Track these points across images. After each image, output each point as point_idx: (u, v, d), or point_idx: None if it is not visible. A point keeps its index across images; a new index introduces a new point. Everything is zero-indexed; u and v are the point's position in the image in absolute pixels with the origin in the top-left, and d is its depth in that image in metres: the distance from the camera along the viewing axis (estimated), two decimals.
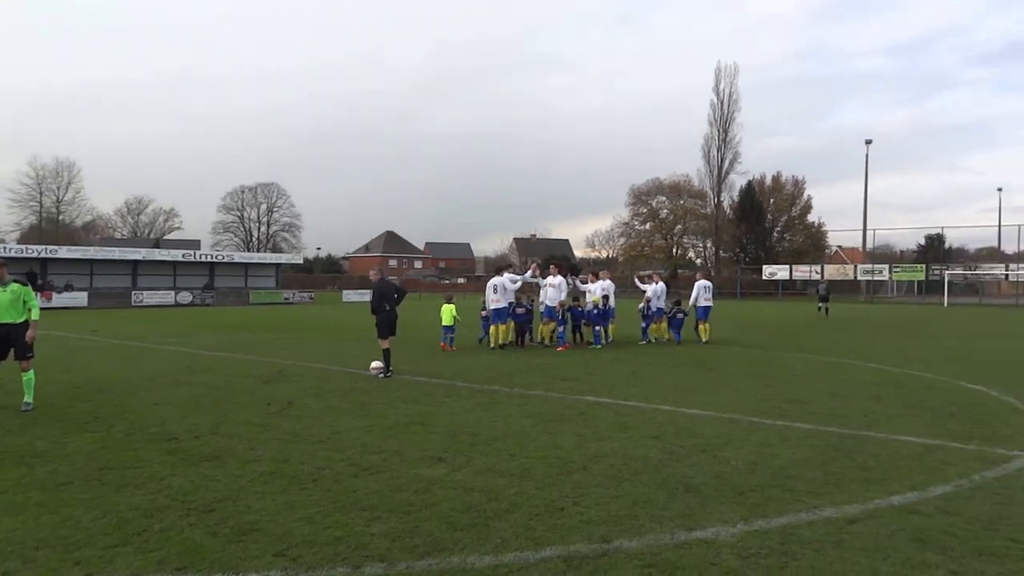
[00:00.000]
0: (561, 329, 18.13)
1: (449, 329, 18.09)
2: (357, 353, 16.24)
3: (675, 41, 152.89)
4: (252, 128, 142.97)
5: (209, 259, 59.58)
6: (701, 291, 20.41)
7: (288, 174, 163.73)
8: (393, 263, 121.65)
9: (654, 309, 19.92)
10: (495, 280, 18.13)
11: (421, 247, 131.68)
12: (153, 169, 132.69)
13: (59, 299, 46.90)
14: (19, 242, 72.11)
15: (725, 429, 8.37)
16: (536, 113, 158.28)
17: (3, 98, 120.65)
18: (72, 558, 4.56)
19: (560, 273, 18.69)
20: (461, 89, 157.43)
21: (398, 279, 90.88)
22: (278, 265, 65.22)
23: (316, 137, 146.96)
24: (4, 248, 53.82)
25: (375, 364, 13.07)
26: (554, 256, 71.58)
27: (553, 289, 18.04)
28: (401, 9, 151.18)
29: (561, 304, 18.13)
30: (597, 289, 18.53)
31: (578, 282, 19.95)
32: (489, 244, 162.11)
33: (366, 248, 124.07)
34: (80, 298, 48.07)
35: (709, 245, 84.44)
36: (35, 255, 51.59)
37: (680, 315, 20.15)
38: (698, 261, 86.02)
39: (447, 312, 18.21)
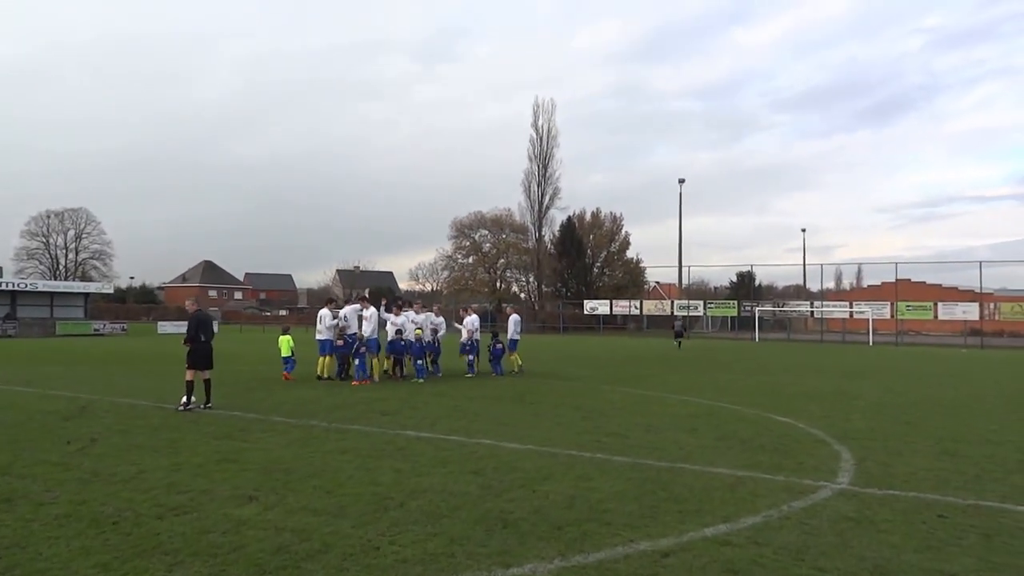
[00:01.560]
0: (357, 362, 17.42)
1: (287, 360, 17.88)
2: (169, 387, 15.13)
3: (495, 73, 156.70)
4: (58, 149, 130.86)
5: (11, 287, 53.51)
6: (514, 325, 21.17)
7: (98, 200, 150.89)
8: (213, 293, 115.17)
9: (474, 341, 20.10)
10: (321, 312, 18.07)
11: (241, 278, 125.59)
12: None
13: None
14: None
15: (545, 463, 8.36)
16: (357, 143, 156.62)
17: None
18: None
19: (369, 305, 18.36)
20: (278, 117, 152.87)
21: (218, 310, 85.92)
22: (87, 295, 59.73)
23: (127, 162, 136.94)
24: None
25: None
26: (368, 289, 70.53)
27: (365, 322, 17.68)
28: (208, 29, 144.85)
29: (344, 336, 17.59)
30: (425, 323, 18.72)
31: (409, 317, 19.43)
32: (312, 276, 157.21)
33: (183, 278, 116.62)
34: None
35: (532, 279, 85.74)
36: None
37: (499, 347, 20.46)
38: (521, 295, 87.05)
39: (284, 343, 18.07)
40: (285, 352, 18.01)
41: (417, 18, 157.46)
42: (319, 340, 17.70)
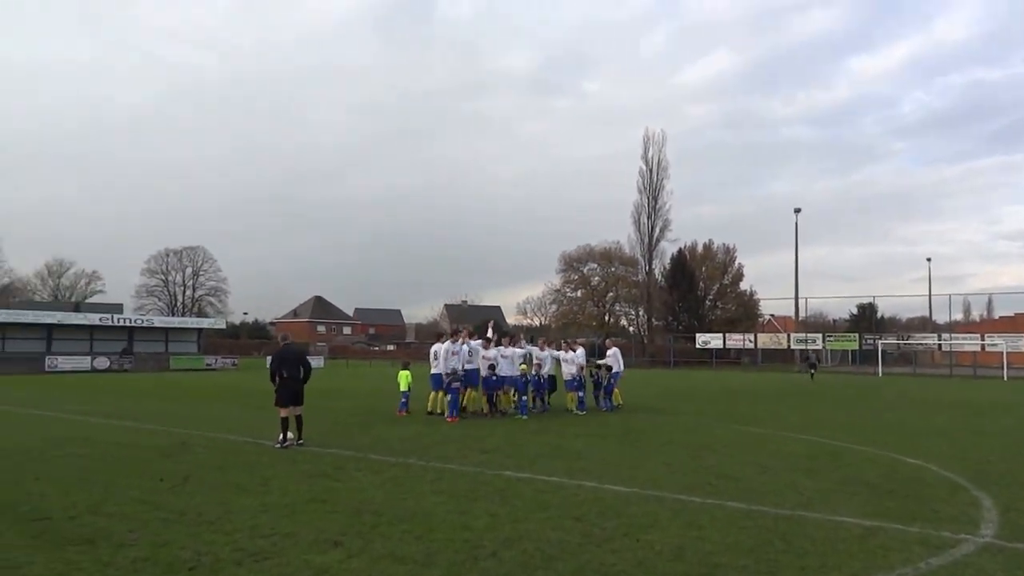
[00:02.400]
0: (449, 398, 17.08)
1: (405, 395, 18.03)
2: (270, 424, 15.34)
3: (603, 107, 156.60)
4: (178, 189, 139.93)
5: (128, 323, 57.12)
6: (615, 358, 20.60)
7: (215, 238, 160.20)
8: (321, 329, 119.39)
9: (581, 377, 19.60)
10: (434, 347, 17.86)
11: (350, 313, 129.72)
12: (75, 231, 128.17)
13: None
14: None
15: (651, 508, 7.90)
16: (465, 179, 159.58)
17: None
18: None
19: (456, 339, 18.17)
20: (389, 153, 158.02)
21: (326, 345, 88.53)
22: (200, 330, 62.97)
23: (243, 201, 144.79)
24: None
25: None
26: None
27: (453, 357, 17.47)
28: (321, 68, 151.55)
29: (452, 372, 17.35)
30: (517, 357, 18.43)
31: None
32: (420, 311, 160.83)
33: (294, 313, 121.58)
34: None
35: (641, 313, 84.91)
36: None
37: (610, 383, 20.03)
38: (630, 329, 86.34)
39: (404, 378, 18.21)
40: (403, 387, 18.16)
41: (527, 54, 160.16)
42: (432, 375, 17.65)
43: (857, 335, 63.37)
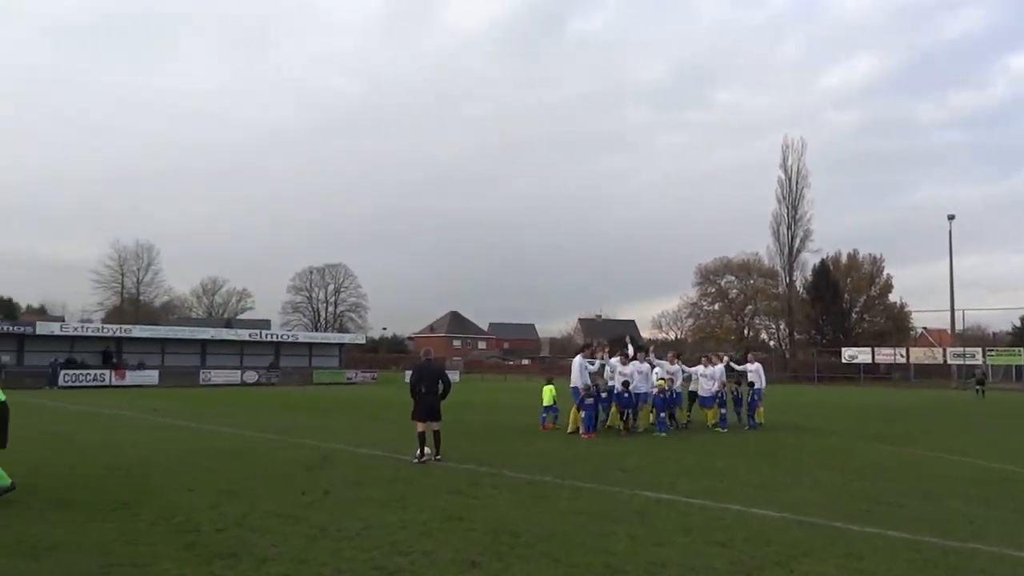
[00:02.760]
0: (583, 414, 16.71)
1: (549, 409, 18.01)
2: (408, 438, 15.60)
3: (737, 116, 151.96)
4: (322, 208, 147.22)
5: (275, 339, 60.45)
6: (758, 374, 19.69)
7: (355, 254, 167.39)
8: (457, 343, 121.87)
9: (722, 394, 18.85)
10: (575, 360, 17.74)
11: (485, 327, 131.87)
12: (227, 250, 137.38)
13: (132, 377, 47.98)
14: (103, 321, 74.65)
15: (804, 535, 7.39)
16: (598, 192, 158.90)
17: (90, 181, 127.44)
18: None
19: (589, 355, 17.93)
20: (523, 167, 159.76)
21: (461, 360, 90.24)
22: (341, 345, 65.78)
23: (383, 219, 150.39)
24: (87, 327, 55.66)
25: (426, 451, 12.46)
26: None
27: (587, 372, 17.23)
28: (451, 89, 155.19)
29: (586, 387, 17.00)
30: (662, 372, 17.91)
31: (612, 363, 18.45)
32: (554, 325, 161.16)
33: (431, 328, 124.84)
34: (152, 376, 49.08)
35: (782, 326, 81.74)
36: (111, 334, 53.15)
37: (756, 398, 19.22)
38: (771, 343, 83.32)
39: (547, 392, 18.17)
40: (547, 401, 18.13)
41: (659, 64, 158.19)
42: (573, 388, 17.47)
43: (1022, 349, 59.77)
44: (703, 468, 12.00)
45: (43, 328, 51.94)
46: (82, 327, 56.57)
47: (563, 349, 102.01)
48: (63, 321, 69.95)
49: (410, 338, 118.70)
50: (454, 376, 61.41)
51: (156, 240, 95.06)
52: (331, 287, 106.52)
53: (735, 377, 20.52)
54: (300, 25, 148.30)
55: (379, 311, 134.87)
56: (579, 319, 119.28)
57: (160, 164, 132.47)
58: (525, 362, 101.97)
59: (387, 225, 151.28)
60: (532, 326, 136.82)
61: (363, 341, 78.97)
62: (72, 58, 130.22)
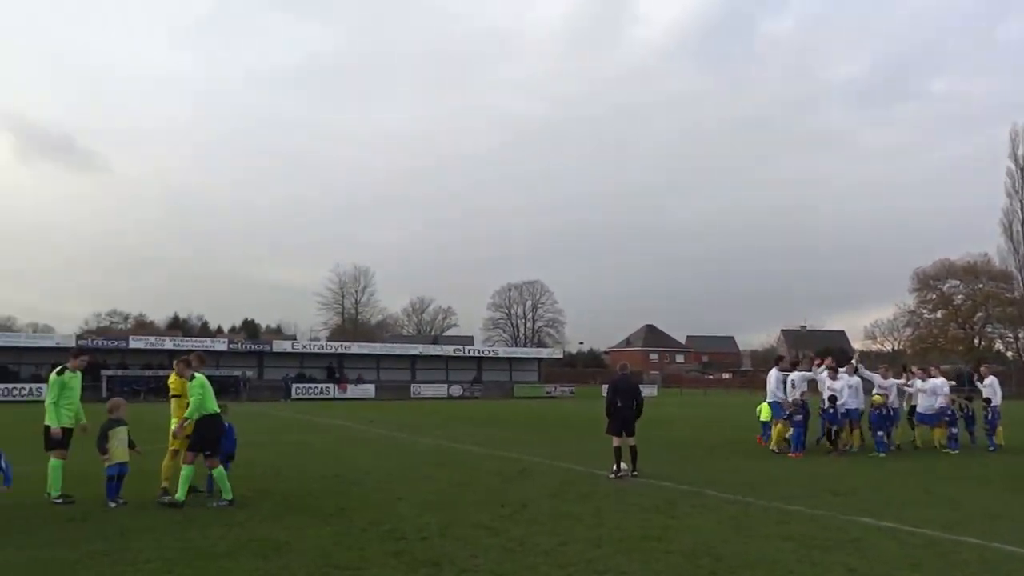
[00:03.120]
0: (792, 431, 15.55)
1: (767, 425, 17.02)
2: (605, 452, 15.43)
3: (954, 106, 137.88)
4: (518, 223, 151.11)
5: (477, 354, 62.63)
6: (993, 388, 17.45)
7: (551, 270, 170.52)
8: (654, 357, 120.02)
9: (950, 409, 16.93)
10: (770, 373, 16.89)
11: (682, 340, 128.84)
12: (432, 270, 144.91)
13: (352, 390, 51.56)
14: (328, 340, 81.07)
15: None
16: (798, 197, 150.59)
17: (315, 211, 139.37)
18: None
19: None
20: (717, 176, 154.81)
21: (659, 374, 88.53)
22: (540, 359, 66.87)
23: (576, 235, 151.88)
24: (314, 345, 60.65)
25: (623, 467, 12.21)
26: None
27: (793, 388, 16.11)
28: (642, 101, 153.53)
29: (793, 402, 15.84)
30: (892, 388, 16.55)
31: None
32: (755, 337, 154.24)
33: (627, 342, 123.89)
34: (369, 390, 52.49)
35: (1021, 335, 72.78)
36: (334, 351, 57.53)
37: (993, 416, 17.10)
38: (1008, 354, 74.35)
39: (765, 409, 17.12)
40: (764, 417, 17.14)
41: (860, 59, 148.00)
42: (771, 403, 16.57)
43: None
44: (931, 494, 10.78)
45: (278, 346, 57.38)
46: (310, 345, 61.76)
47: (765, 362, 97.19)
48: (295, 340, 76.83)
49: (606, 352, 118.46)
50: (651, 390, 60.54)
51: (371, 263, 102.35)
52: (528, 303, 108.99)
53: (966, 392, 18.42)
54: (491, 52, 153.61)
55: (576, 326, 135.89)
56: (782, 330, 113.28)
57: (372, 192, 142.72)
58: (725, 376, 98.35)
59: (581, 240, 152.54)
60: (731, 338, 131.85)
61: (560, 356, 79.83)
62: (289, 101, 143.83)
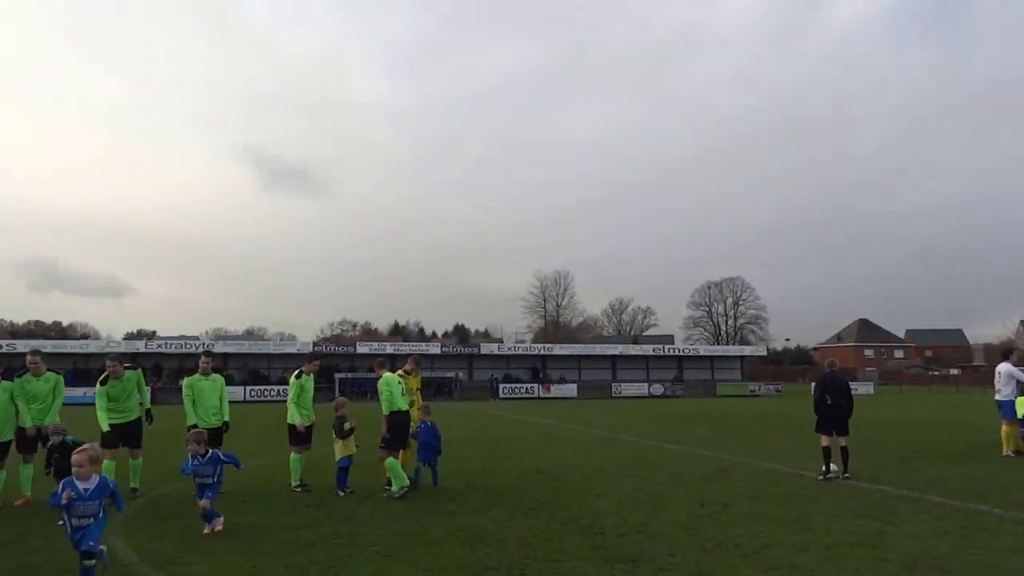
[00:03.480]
0: None
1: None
2: (813, 453, 14.56)
3: None
4: (720, 224, 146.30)
5: (678, 353, 61.41)
6: None
7: (752, 268, 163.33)
8: (869, 353, 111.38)
9: None
10: (998, 367, 14.99)
11: (900, 335, 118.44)
12: (631, 272, 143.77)
13: (555, 390, 52.42)
14: (532, 341, 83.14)
15: None
16: None
17: (517, 221, 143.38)
18: None
19: None
20: (940, 159, 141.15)
21: (876, 370, 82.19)
22: (742, 357, 64.35)
23: (780, 229, 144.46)
24: (519, 347, 62.48)
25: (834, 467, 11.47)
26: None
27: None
28: (856, 92, 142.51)
29: None
30: None
31: None
32: (989, 329, 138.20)
33: (837, 338, 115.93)
34: (571, 389, 53.10)
35: None
36: (537, 352, 58.85)
37: None
38: None
39: (1021, 404, 15.45)
40: (1021, 413, 15.32)
41: None
42: (997, 401, 14.82)
43: None
44: None
45: (486, 348, 59.72)
46: (515, 347, 63.54)
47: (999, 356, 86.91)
48: (501, 342, 79.48)
49: (815, 349, 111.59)
50: (866, 388, 56.29)
51: (571, 267, 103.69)
52: (729, 300, 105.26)
53: None
54: (684, 49, 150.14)
55: (781, 323, 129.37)
56: (1021, 321, 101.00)
57: (571, 199, 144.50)
58: (954, 372, 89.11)
59: (785, 236, 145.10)
60: (959, 331, 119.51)
61: (764, 353, 76.25)
62: (494, 112, 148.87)
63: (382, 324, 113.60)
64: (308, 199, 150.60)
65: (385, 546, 7.13)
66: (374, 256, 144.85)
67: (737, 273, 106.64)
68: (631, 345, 64.41)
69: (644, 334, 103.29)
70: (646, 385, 55.06)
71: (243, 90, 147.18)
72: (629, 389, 53.89)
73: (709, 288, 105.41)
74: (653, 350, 60.95)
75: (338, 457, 10.38)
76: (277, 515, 8.77)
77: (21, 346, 47.05)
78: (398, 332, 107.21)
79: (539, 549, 6.96)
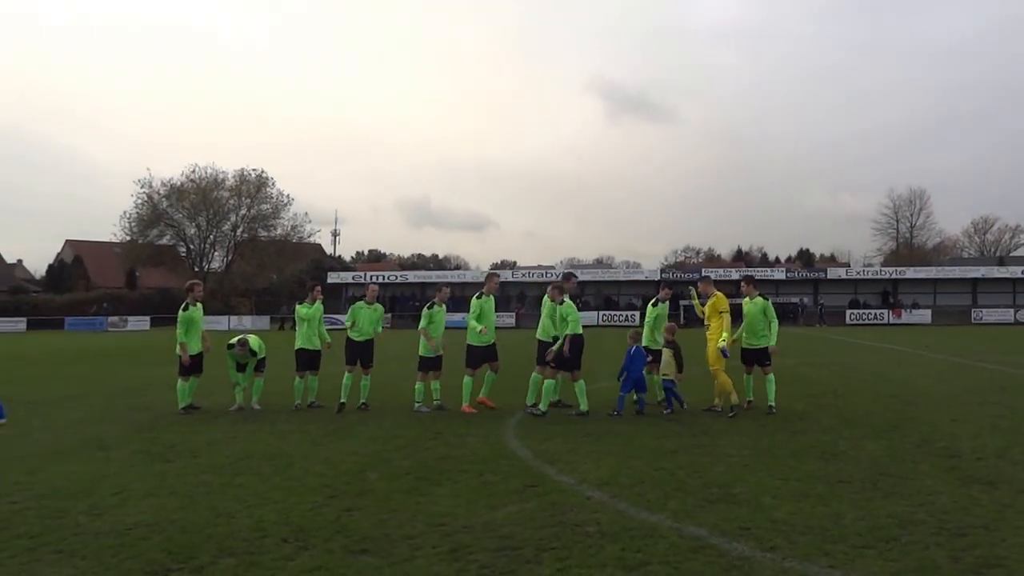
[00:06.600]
0: None
1: None
2: None
3: None
4: None
5: None
6: None
7: None
8: None
9: None
10: None
11: None
12: (999, 188, 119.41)
13: (907, 316, 46.91)
14: (882, 265, 74.51)
15: None
16: None
17: (871, 138, 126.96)
18: (823, 548, 4.62)
19: None
20: None
21: None
22: None
23: None
24: (868, 271, 56.67)
25: None
26: None
27: None
28: None
29: None
30: None
31: None
32: None
33: None
34: (925, 315, 47.12)
35: None
36: (888, 276, 52.86)
37: None
38: None
39: None
40: None
41: None
42: None
43: None
44: None
45: (833, 273, 55.09)
46: (864, 271, 57.76)
47: None
48: (848, 267, 72.47)
49: None
50: None
51: (928, 185, 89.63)
52: None
53: None
54: None
55: None
56: None
57: (932, 114, 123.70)
58: None
59: None
60: None
61: None
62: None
63: (724, 250, 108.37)
64: (653, 126, 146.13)
65: (742, 457, 7.29)
66: (713, 183, 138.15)
67: None
68: (995, 267, 54.21)
69: (1012, 255, 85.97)
70: (1011, 311, 46.32)
71: (588, 23, 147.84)
72: (992, 315, 45.89)
73: None
74: (1022, 272, 50.73)
75: (665, 377, 10.41)
76: (642, 426, 9.27)
77: (412, 276, 53.65)
78: (741, 258, 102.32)
79: (892, 467, 6.77)
